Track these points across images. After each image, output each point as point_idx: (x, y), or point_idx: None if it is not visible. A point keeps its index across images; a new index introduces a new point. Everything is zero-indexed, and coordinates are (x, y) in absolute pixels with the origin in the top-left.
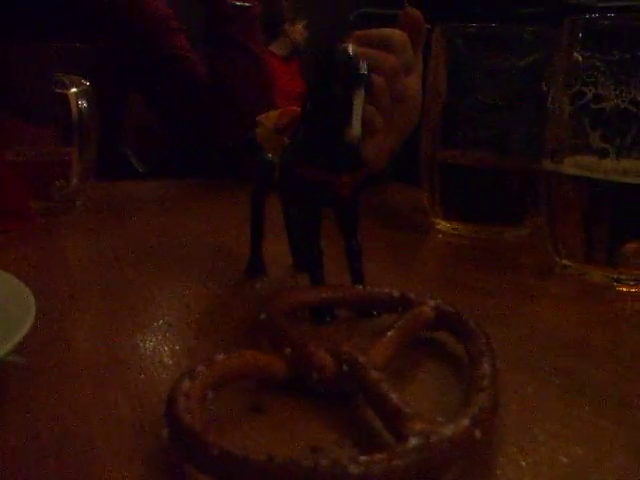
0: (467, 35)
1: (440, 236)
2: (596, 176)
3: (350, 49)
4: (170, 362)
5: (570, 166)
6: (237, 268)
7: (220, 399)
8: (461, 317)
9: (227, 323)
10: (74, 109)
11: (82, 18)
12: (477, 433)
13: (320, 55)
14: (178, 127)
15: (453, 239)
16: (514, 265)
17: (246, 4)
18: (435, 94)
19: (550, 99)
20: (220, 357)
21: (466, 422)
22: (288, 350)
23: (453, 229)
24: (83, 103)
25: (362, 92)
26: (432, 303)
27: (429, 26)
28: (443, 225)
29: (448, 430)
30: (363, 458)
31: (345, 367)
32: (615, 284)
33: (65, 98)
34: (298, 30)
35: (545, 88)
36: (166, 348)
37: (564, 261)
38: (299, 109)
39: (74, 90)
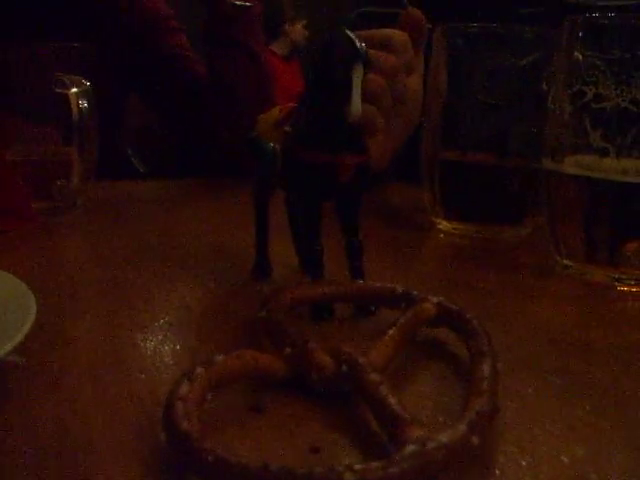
0: (468, 35)
1: (441, 236)
2: (596, 175)
3: (346, 29)
4: (171, 362)
5: (570, 165)
6: (238, 268)
7: (220, 399)
8: (464, 315)
9: (228, 323)
10: (74, 109)
11: (82, 18)
12: (474, 439)
13: (318, 43)
14: (178, 127)
15: (454, 239)
16: (515, 265)
17: (247, 4)
18: (436, 94)
19: (550, 98)
20: (219, 358)
21: (463, 428)
22: (288, 350)
23: (454, 229)
24: (83, 103)
25: (361, 68)
26: (435, 300)
27: (430, 26)
28: (444, 225)
29: (445, 437)
30: (358, 466)
31: (344, 368)
32: (616, 284)
33: (65, 98)
34: (298, 30)
35: (545, 87)
36: (167, 348)
37: (565, 261)
38: (298, 103)
39: (74, 90)
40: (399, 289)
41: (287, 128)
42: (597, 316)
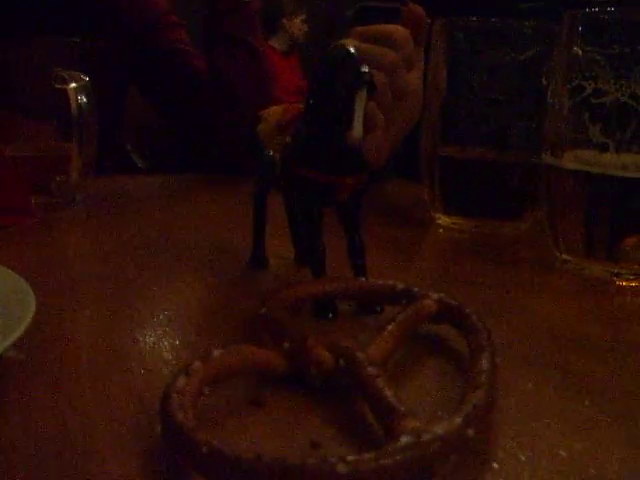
0: (467, 30)
1: (440, 231)
2: (596, 170)
3: (351, 49)
4: (170, 357)
5: (570, 160)
6: (238, 263)
7: (219, 393)
8: (464, 311)
9: (228, 318)
10: (74, 104)
11: (82, 14)
12: (470, 432)
13: (321, 54)
14: (178, 122)
15: (453, 234)
16: (514, 259)
17: None
18: (435, 89)
19: (550, 93)
20: (217, 353)
21: (459, 420)
22: (287, 345)
23: (453, 224)
24: (83, 98)
25: (364, 94)
26: (435, 296)
27: (429, 20)
28: (443, 220)
29: (440, 428)
30: (351, 457)
31: (342, 362)
32: (615, 279)
33: (65, 93)
34: (297, 24)
35: (545, 82)
36: (166, 343)
37: (564, 255)
38: (302, 107)
39: (73, 85)
40: (400, 286)
41: (288, 138)
42: (596, 311)
